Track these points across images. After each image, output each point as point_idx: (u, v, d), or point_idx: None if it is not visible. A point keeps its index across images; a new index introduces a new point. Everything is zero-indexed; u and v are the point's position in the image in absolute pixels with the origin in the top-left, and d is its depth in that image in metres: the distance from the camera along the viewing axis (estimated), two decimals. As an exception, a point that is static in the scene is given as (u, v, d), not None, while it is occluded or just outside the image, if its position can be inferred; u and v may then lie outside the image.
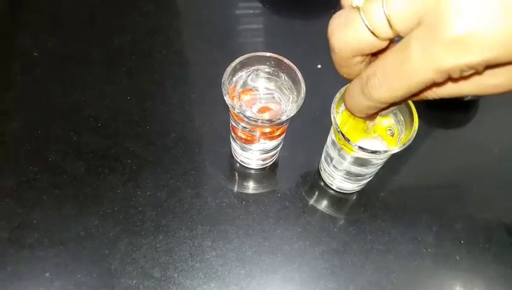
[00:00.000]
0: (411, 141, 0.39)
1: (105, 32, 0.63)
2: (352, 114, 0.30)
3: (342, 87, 0.41)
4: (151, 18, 0.65)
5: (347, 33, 0.24)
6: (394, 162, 0.51)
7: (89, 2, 0.66)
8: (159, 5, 0.67)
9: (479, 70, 0.21)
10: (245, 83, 0.44)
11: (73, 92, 0.56)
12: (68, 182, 0.49)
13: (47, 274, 0.44)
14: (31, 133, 0.52)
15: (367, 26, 0.23)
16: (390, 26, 0.22)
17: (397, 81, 0.23)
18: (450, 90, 0.24)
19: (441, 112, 0.58)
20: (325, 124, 0.46)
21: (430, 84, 0.22)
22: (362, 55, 0.26)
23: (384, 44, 0.24)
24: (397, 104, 0.29)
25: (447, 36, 0.20)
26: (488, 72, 0.22)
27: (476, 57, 0.20)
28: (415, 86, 0.23)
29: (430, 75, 0.21)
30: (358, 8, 0.23)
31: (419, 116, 0.39)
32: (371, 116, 0.31)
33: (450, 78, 0.22)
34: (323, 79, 0.58)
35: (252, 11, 0.69)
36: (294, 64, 0.42)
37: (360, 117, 0.30)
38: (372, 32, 0.23)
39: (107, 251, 0.45)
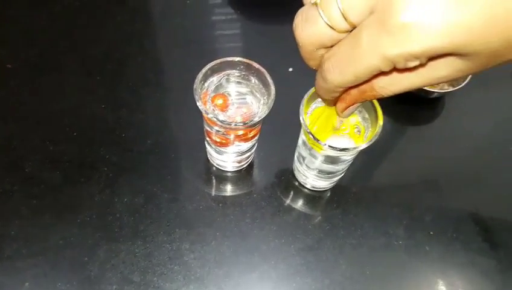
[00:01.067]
0: (377, 137, 0.40)
1: (80, 42, 0.63)
2: (321, 98, 0.32)
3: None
4: (125, 27, 0.66)
5: (308, 28, 0.26)
6: (365, 158, 0.53)
7: (63, 12, 0.66)
8: (133, 13, 0.68)
9: (422, 61, 0.22)
10: (217, 88, 0.45)
11: (48, 102, 0.56)
12: (45, 192, 0.50)
13: (27, 284, 0.44)
14: (6, 145, 0.52)
15: (325, 21, 0.25)
16: (345, 19, 0.24)
17: (347, 65, 0.25)
18: (400, 84, 0.26)
19: (408, 109, 0.60)
20: (297, 125, 0.47)
21: (377, 72, 0.24)
22: (325, 47, 0.27)
23: (343, 36, 0.25)
24: (355, 100, 0.30)
25: (393, 24, 0.21)
26: (431, 64, 0.24)
27: (419, 46, 0.21)
28: (362, 71, 0.24)
29: (376, 62, 0.23)
30: (316, 4, 0.25)
31: (389, 114, 0.41)
32: (333, 101, 0.32)
33: (396, 69, 0.24)
34: (294, 82, 0.59)
35: (225, 17, 0.70)
36: (267, 68, 0.43)
37: (325, 100, 0.32)
38: (330, 26, 0.25)
39: (86, 259, 0.46)
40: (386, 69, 0.23)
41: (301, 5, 0.28)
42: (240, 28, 0.70)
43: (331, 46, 0.27)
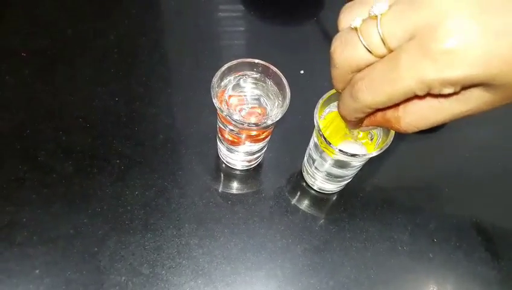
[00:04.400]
0: (388, 145, 0.41)
1: (93, 34, 0.64)
2: (344, 118, 0.32)
3: (323, 93, 0.43)
4: (138, 21, 0.66)
5: (347, 51, 0.27)
6: (373, 164, 0.54)
7: (78, 5, 0.67)
8: (146, 9, 0.68)
9: (456, 89, 0.23)
10: (233, 87, 0.46)
11: (62, 92, 0.57)
12: (57, 181, 0.50)
13: (37, 271, 0.45)
14: (20, 133, 0.53)
15: (364, 46, 0.26)
16: (384, 44, 0.25)
17: (381, 86, 0.25)
18: (426, 120, 0.27)
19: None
20: (307, 127, 0.48)
21: (411, 95, 0.25)
22: (359, 71, 0.28)
23: (378, 59, 0.26)
24: (378, 125, 0.31)
25: (436, 49, 0.22)
26: (461, 98, 0.25)
27: (457, 73, 0.22)
28: (397, 93, 0.25)
29: (412, 85, 0.24)
30: (356, 29, 0.26)
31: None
32: (357, 123, 0.33)
33: (430, 94, 0.25)
34: (306, 84, 0.61)
35: (236, 14, 0.71)
36: (279, 70, 0.44)
37: (349, 122, 0.32)
38: (368, 51, 0.26)
39: (96, 249, 0.46)
40: (421, 93, 0.24)
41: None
42: (251, 26, 0.70)
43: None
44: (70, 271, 0.45)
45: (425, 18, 0.22)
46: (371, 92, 0.26)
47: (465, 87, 0.24)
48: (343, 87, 0.30)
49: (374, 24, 0.25)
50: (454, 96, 0.25)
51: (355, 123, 0.33)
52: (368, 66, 0.27)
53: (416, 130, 0.28)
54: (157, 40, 0.65)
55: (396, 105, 0.27)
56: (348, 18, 0.27)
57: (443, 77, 0.22)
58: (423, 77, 0.23)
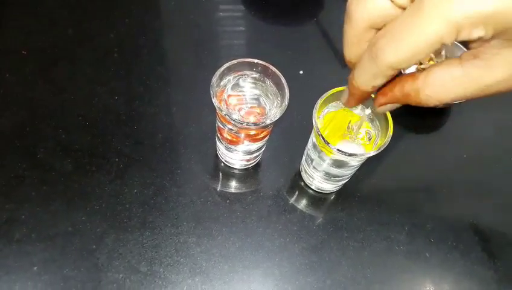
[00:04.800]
0: (386, 145, 0.41)
1: (94, 33, 0.64)
2: (356, 91, 0.29)
3: (322, 93, 0.43)
4: (138, 21, 0.67)
5: (364, 1, 0.25)
6: (370, 164, 0.54)
7: (79, 4, 0.67)
8: (146, 8, 0.68)
9: (487, 32, 0.21)
10: (232, 87, 0.46)
11: (62, 91, 0.57)
12: (56, 178, 0.50)
13: (35, 268, 0.45)
14: (19, 131, 0.53)
15: None
16: None
17: (404, 38, 0.23)
18: (448, 92, 0.25)
19: (415, 118, 0.61)
20: (306, 127, 0.48)
21: (438, 44, 0.22)
22: (376, 28, 0.26)
23: (399, 13, 0.25)
24: (397, 100, 0.29)
25: None
26: (489, 62, 0.23)
27: (487, 4, 0.20)
28: (422, 43, 0.22)
29: (438, 28, 0.21)
30: None
31: (394, 122, 0.42)
32: (358, 99, 0.30)
33: (454, 61, 0.23)
34: (305, 84, 0.61)
35: (236, 14, 0.71)
36: (278, 69, 0.45)
37: (355, 95, 0.30)
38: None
39: (94, 246, 0.47)
40: (449, 39, 0.22)
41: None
42: (251, 26, 0.71)
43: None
44: (68, 268, 0.45)
45: None
46: (393, 47, 0.24)
47: (497, 33, 0.22)
48: (356, 52, 0.28)
49: None
50: (481, 61, 0.23)
51: (358, 100, 0.30)
52: (385, 21, 0.25)
53: (437, 103, 0.26)
54: (157, 39, 0.65)
55: (415, 77, 0.26)
56: None
57: (472, 11, 0.20)
58: (450, 15, 0.21)
